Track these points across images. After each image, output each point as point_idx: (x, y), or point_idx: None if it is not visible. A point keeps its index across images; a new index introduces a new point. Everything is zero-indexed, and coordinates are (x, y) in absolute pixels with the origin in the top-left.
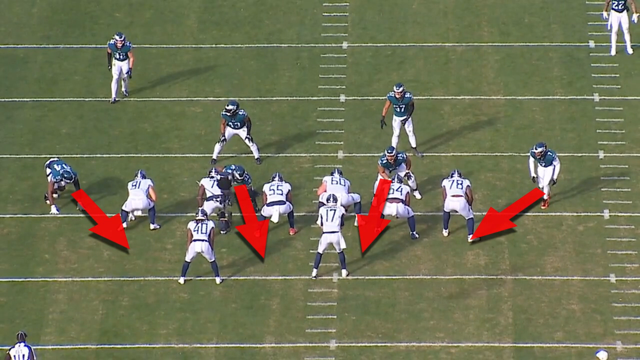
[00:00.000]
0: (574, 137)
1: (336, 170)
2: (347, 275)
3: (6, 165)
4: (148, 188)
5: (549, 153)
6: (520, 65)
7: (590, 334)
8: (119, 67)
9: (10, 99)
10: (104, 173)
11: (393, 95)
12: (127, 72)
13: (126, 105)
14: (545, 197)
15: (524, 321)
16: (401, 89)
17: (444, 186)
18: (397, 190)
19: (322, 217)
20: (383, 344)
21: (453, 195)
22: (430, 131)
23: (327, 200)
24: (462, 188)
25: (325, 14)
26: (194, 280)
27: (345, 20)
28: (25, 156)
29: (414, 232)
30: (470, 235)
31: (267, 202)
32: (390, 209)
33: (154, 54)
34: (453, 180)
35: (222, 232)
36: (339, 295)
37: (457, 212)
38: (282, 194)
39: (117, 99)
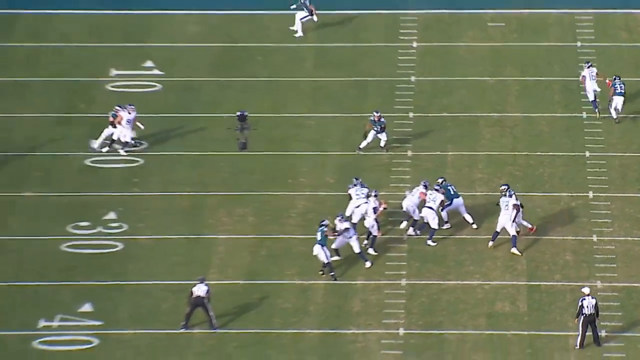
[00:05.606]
0: (568, 142)
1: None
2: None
3: (179, 159)
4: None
5: (509, 192)
6: (532, 92)
7: (579, 276)
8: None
9: None
10: None
11: None
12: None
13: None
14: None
15: (534, 267)
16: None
17: (499, 204)
18: (432, 200)
19: None
20: (438, 282)
21: (503, 214)
22: (470, 138)
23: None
24: (507, 207)
25: (400, 57)
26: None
27: (413, 61)
28: (195, 153)
29: (429, 240)
30: (514, 248)
31: (354, 205)
32: (424, 213)
33: (281, 86)
34: (504, 202)
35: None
36: (408, 248)
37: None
38: (364, 196)
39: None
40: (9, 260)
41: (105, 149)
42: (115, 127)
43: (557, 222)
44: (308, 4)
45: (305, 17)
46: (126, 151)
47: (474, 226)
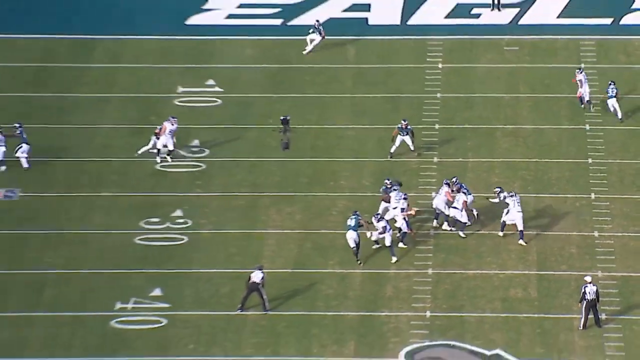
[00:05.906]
0: (574, 150)
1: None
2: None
3: (236, 165)
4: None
5: (504, 195)
6: (542, 107)
7: (582, 266)
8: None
9: None
10: None
11: None
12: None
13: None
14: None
15: (543, 259)
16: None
17: (508, 202)
18: (456, 200)
19: None
20: (460, 272)
21: (517, 211)
22: (488, 146)
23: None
24: (519, 204)
25: (427, 76)
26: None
27: (439, 80)
28: (250, 159)
29: (460, 232)
30: (521, 240)
31: (392, 207)
32: (452, 212)
33: (325, 101)
34: (514, 201)
35: (285, 150)
36: (434, 242)
37: (514, 223)
38: (402, 198)
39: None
40: (90, 251)
41: (161, 158)
42: (158, 137)
43: (563, 219)
44: (321, 30)
45: (319, 42)
46: (172, 158)
47: (475, 212)
